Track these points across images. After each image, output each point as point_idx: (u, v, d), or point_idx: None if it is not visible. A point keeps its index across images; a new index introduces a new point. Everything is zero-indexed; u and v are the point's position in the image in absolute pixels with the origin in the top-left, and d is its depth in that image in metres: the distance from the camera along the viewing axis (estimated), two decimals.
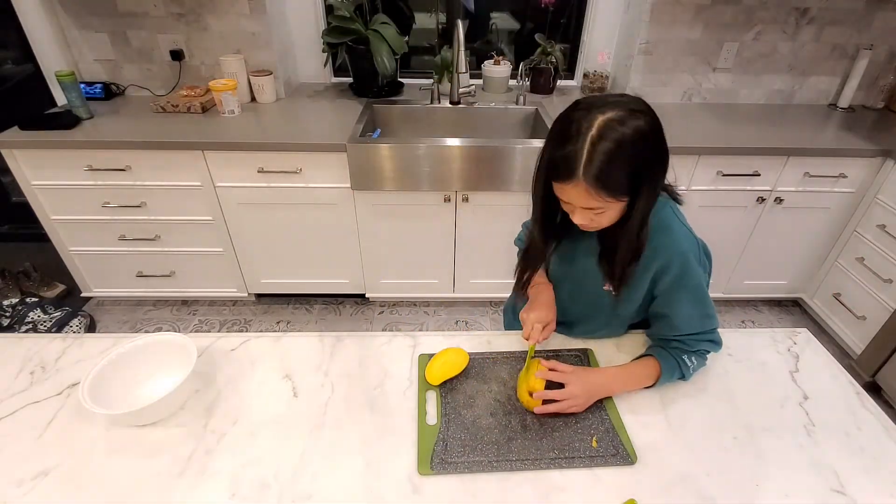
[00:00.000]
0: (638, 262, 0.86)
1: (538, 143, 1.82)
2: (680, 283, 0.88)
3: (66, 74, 1.84)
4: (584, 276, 0.97)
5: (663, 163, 0.79)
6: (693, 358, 0.91)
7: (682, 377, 0.91)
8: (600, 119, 0.72)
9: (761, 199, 1.98)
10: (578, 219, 0.82)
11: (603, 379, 0.89)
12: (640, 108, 0.75)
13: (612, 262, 0.87)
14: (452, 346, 0.97)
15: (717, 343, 0.93)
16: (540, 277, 1.04)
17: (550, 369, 0.87)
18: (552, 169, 0.78)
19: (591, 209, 0.78)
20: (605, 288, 0.93)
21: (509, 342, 1.02)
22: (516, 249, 1.12)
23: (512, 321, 1.26)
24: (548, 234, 0.94)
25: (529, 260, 1.00)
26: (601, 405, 0.87)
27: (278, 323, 2.25)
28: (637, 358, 0.95)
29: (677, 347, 0.92)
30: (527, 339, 0.92)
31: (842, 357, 2.08)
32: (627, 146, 0.72)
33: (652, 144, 0.75)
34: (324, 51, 2.17)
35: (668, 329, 0.93)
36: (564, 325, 1.04)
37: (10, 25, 2.08)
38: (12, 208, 2.65)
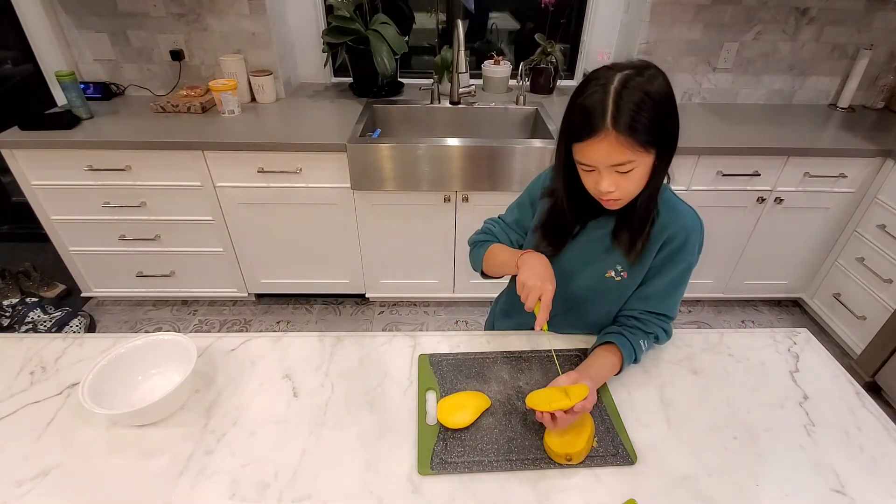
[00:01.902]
0: (652, 229, 0.87)
1: (538, 143, 1.83)
2: (673, 258, 0.90)
3: (66, 74, 1.84)
4: (585, 260, 0.96)
5: (678, 125, 0.79)
6: (645, 342, 0.93)
7: (635, 361, 0.93)
8: (620, 75, 0.74)
9: (761, 199, 1.98)
10: (605, 184, 0.79)
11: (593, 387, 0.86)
12: (656, 69, 0.77)
13: (632, 231, 0.87)
14: (452, 346, 0.97)
15: (668, 334, 0.96)
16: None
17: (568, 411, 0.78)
18: (575, 130, 0.77)
19: (619, 166, 0.76)
20: (607, 275, 0.94)
21: (509, 342, 1.02)
22: None
23: (492, 322, 1.25)
24: (577, 212, 0.92)
25: (552, 238, 0.96)
26: (601, 406, 0.87)
27: (278, 323, 2.25)
28: (598, 344, 0.94)
29: (636, 327, 0.93)
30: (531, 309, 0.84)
31: (842, 357, 2.08)
32: (652, 96, 0.74)
33: (671, 101, 0.77)
34: (324, 51, 2.17)
35: (639, 301, 0.94)
36: (563, 315, 1.03)
37: (10, 25, 2.08)
38: (12, 208, 2.65)
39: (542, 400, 0.78)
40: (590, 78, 0.78)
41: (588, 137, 0.75)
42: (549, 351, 0.99)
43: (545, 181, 0.99)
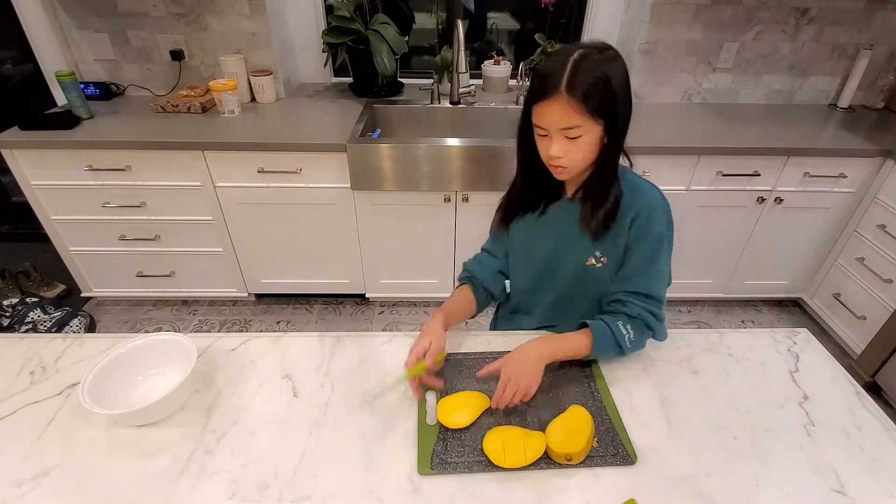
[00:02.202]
0: (619, 207, 0.90)
1: None
2: (642, 231, 0.91)
3: (66, 74, 1.84)
4: (565, 252, 0.99)
5: (631, 107, 0.86)
6: (629, 326, 0.91)
7: (620, 350, 0.91)
8: (580, 51, 0.81)
9: (761, 199, 1.98)
10: (555, 149, 0.84)
11: (530, 346, 0.88)
12: (615, 52, 0.83)
13: (593, 204, 0.91)
14: (453, 346, 0.97)
15: (658, 318, 0.93)
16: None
17: (482, 374, 0.89)
18: (534, 91, 0.83)
19: (568, 130, 0.81)
20: (588, 263, 0.95)
21: (509, 342, 1.02)
22: None
23: (496, 322, 1.27)
24: (535, 189, 0.99)
25: (508, 210, 1.04)
26: (601, 405, 0.87)
27: (278, 323, 2.25)
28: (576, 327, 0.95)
29: (618, 311, 0.92)
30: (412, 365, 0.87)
31: (842, 357, 2.08)
32: (606, 72, 0.80)
33: (624, 82, 0.83)
34: (324, 51, 2.17)
35: (619, 283, 0.95)
36: (555, 312, 1.05)
37: (10, 25, 2.08)
38: (12, 208, 2.65)
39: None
40: (553, 52, 0.84)
41: (543, 98, 0.81)
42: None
43: None
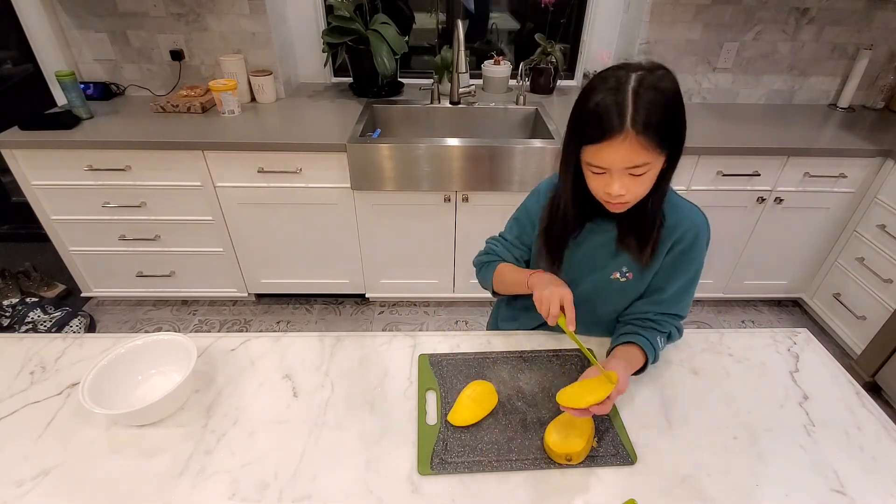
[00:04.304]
0: (661, 233, 0.86)
1: (538, 143, 1.82)
2: (684, 258, 0.90)
3: (66, 74, 1.84)
4: (591, 266, 0.96)
5: (685, 125, 0.78)
6: (661, 340, 0.92)
7: (654, 361, 0.92)
8: (635, 75, 0.73)
9: (761, 199, 1.98)
10: (617, 188, 0.77)
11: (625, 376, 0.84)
12: (667, 70, 0.76)
13: (641, 235, 0.87)
14: (452, 346, 0.97)
15: (680, 332, 0.97)
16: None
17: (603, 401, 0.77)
18: (589, 131, 0.75)
19: (634, 168, 0.75)
20: (612, 276, 0.94)
21: (509, 342, 1.02)
22: None
23: (496, 323, 1.26)
24: (581, 214, 0.91)
25: (554, 241, 0.95)
26: None
27: (278, 323, 2.25)
28: (617, 344, 0.92)
29: (652, 328, 0.93)
30: (554, 316, 0.84)
31: (842, 357, 2.08)
32: (668, 96, 0.73)
33: (681, 102, 0.76)
34: (324, 51, 2.17)
35: (653, 304, 0.94)
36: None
37: (10, 25, 2.08)
38: (12, 208, 2.65)
39: (576, 393, 0.76)
40: (601, 77, 0.76)
41: (604, 139, 0.73)
42: (549, 352, 0.99)
43: (542, 199, 0.98)
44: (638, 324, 0.94)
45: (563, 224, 0.93)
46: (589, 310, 1.00)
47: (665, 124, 0.73)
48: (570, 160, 0.83)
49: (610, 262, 0.94)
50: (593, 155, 0.76)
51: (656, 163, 0.76)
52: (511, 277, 1.00)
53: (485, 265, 1.09)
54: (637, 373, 0.91)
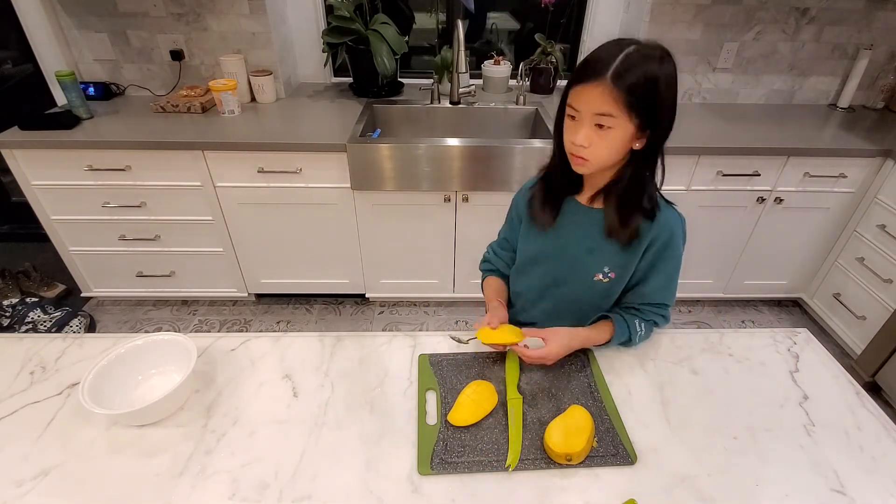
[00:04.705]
0: (652, 218, 0.89)
1: (538, 143, 1.82)
2: (662, 255, 0.93)
3: (66, 74, 1.84)
4: (572, 266, 0.99)
5: (674, 117, 0.83)
6: (642, 325, 0.97)
7: (629, 341, 0.97)
8: (636, 46, 0.78)
9: (761, 199, 1.98)
10: (581, 136, 0.81)
11: (573, 336, 0.95)
12: (671, 58, 0.80)
13: (623, 208, 0.89)
14: (453, 346, 0.97)
15: (667, 319, 1.00)
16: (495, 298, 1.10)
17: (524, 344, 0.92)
18: (578, 73, 0.80)
19: (601, 117, 0.79)
20: (595, 278, 0.97)
21: None
22: None
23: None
24: (567, 173, 0.93)
25: (553, 187, 0.98)
26: (601, 405, 0.87)
27: (278, 323, 2.25)
28: (595, 320, 1.00)
29: (633, 315, 0.97)
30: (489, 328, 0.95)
31: (842, 357, 2.08)
32: (657, 76, 0.77)
33: (672, 88, 0.80)
34: (324, 51, 2.17)
35: (634, 297, 0.98)
36: (555, 319, 1.06)
37: (10, 25, 2.08)
38: (12, 208, 2.65)
39: (494, 334, 0.92)
40: (611, 41, 0.81)
41: (585, 81, 0.79)
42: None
43: (527, 193, 1.05)
44: (622, 310, 1.00)
45: (551, 185, 0.97)
46: (573, 310, 1.03)
47: (642, 88, 0.77)
48: (562, 107, 0.87)
49: (590, 260, 0.96)
50: (574, 96, 0.82)
51: (622, 123, 0.79)
52: (486, 294, 1.14)
53: (482, 273, 1.19)
54: (623, 345, 0.98)
